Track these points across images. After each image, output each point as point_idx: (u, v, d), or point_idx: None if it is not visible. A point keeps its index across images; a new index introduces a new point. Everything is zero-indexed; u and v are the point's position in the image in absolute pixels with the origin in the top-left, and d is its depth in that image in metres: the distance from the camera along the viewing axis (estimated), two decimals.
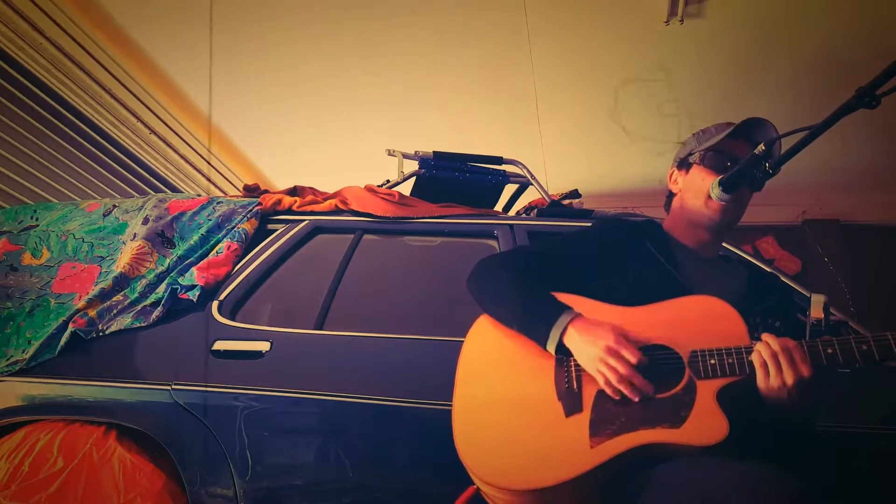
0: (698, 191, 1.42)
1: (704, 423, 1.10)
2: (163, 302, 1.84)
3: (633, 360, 1.17)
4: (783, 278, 1.78)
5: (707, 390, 1.15)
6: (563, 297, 1.34)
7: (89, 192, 3.54)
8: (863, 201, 4.38)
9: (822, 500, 0.96)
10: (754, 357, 1.15)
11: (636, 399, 1.16)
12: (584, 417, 1.18)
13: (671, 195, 1.56)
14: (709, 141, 1.44)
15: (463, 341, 1.46)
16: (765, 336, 1.15)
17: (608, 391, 1.18)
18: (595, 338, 1.20)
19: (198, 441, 1.61)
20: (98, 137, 3.47)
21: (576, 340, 1.23)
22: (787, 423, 1.20)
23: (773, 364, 1.12)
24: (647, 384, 1.16)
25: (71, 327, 1.77)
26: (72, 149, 3.38)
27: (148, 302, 1.86)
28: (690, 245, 1.47)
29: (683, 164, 1.51)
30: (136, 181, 3.82)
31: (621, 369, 1.16)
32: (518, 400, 1.26)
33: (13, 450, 1.56)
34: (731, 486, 0.96)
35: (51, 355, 1.75)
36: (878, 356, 1.10)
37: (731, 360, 1.16)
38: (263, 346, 1.74)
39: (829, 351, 1.13)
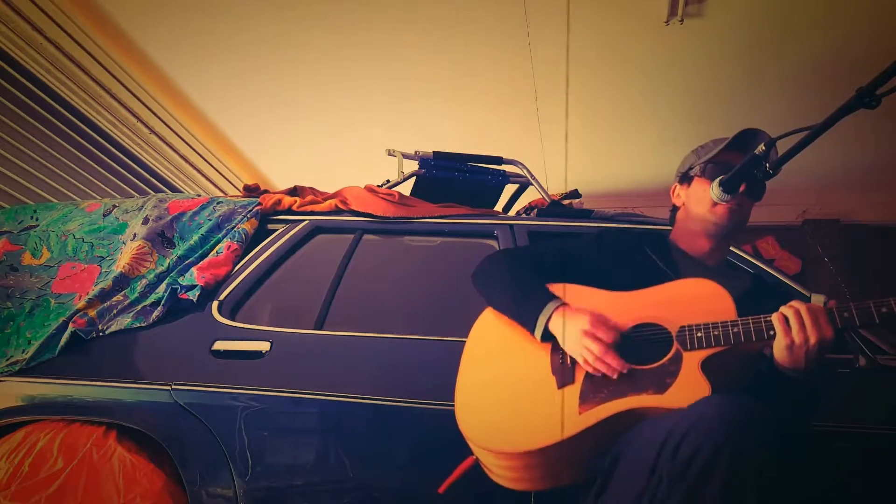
0: (701, 200, 1.48)
1: (687, 389, 1.15)
2: (163, 302, 1.84)
3: (607, 339, 1.25)
4: (783, 279, 1.78)
5: (692, 360, 1.20)
6: (559, 287, 1.43)
7: (89, 192, 3.54)
8: (863, 201, 4.38)
9: (769, 421, 1.00)
10: (775, 316, 1.18)
11: (614, 376, 1.22)
12: (575, 388, 1.25)
13: (675, 209, 1.62)
14: (708, 154, 1.51)
15: (463, 341, 1.49)
16: (792, 301, 1.19)
17: (589, 370, 1.25)
18: (573, 322, 1.29)
19: (198, 441, 1.61)
20: (98, 137, 3.47)
21: (559, 327, 1.32)
22: (794, 392, 1.22)
23: (796, 320, 1.15)
24: (621, 362, 1.23)
25: (71, 327, 1.77)
26: (72, 149, 3.37)
27: (148, 302, 1.86)
28: (693, 253, 1.51)
29: (685, 179, 1.57)
30: (136, 181, 3.82)
31: (596, 350, 1.24)
32: (516, 378, 1.34)
33: (13, 450, 1.56)
34: (683, 417, 1.03)
35: (51, 355, 1.75)
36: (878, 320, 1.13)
37: (716, 332, 1.21)
38: (263, 346, 1.74)
39: (846, 314, 1.15)
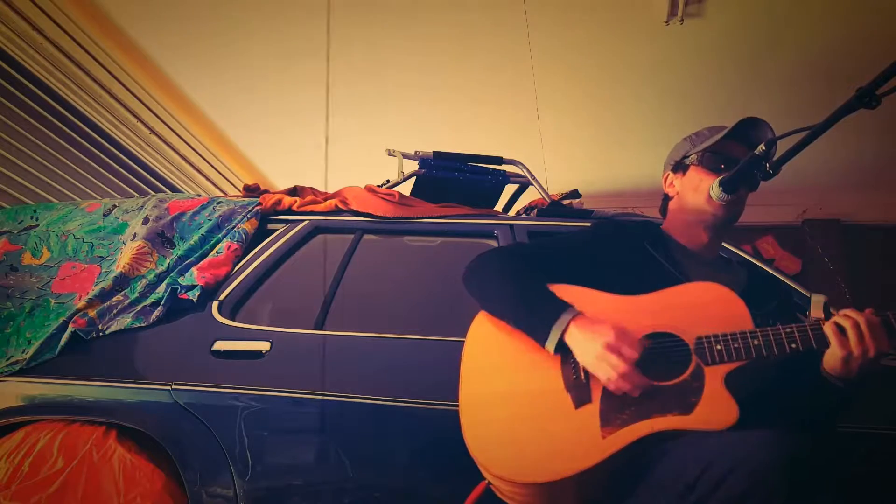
0: (697, 190, 1.43)
1: (714, 409, 1.11)
2: (163, 302, 1.84)
3: (633, 356, 1.17)
4: (783, 279, 1.78)
5: (715, 376, 1.16)
6: (560, 288, 1.34)
7: (89, 192, 3.54)
8: (863, 201, 4.38)
9: (816, 461, 0.98)
10: (829, 326, 1.15)
11: (636, 394, 1.17)
12: (594, 408, 1.18)
13: (667, 198, 1.57)
14: (706, 142, 1.46)
15: (463, 341, 1.45)
16: (845, 311, 1.17)
17: (611, 388, 1.18)
18: (595, 335, 1.20)
19: (198, 441, 1.61)
20: (98, 137, 3.47)
21: (577, 339, 1.23)
22: (840, 401, 1.21)
23: (854, 332, 1.13)
24: (645, 380, 1.17)
25: (71, 327, 1.77)
26: (72, 149, 3.37)
27: (148, 302, 1.86)
28: (689, 246, 1.47)
29: (679, 167, 1.52)
30: (136, 181, 3.82)
31: (621, 368, 1.16)
32: (526, 393, 1.26)
33: (13, 450, 1.56)
34: (728, 447, 0.99)
35: (51, 355, 1.74)
36: None
37: (736, 345, 1.18)
38: (263, 346, 1.74)
39: None
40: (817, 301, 1.20)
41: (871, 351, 1.12)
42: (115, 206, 2.18)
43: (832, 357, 1.16)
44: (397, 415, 1.61)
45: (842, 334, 1.14)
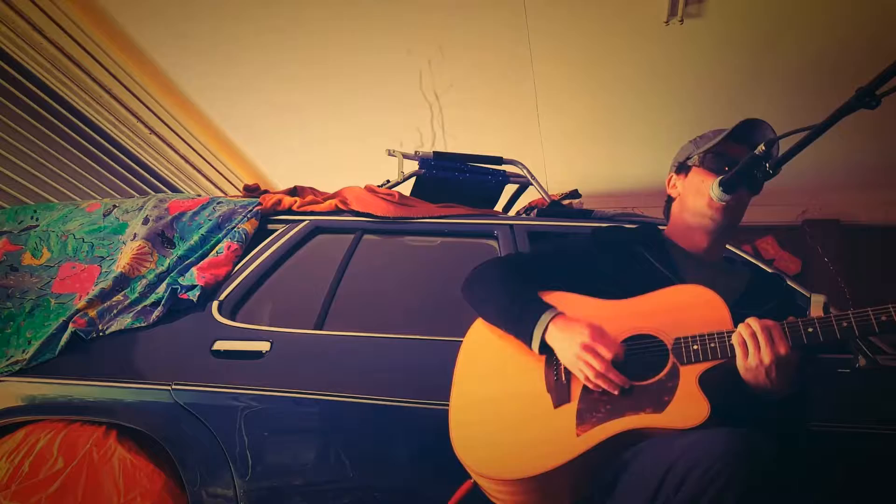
0: (698, 192, 1.43)
1: (686, 407, 1.12)
2: (163, 302, 1.84)
3: (608, 355, 1.19)
4: (786, 280, 1.77)
5: (690, 375, 1.16)
6: (552, 295, 1.38)
7: (89, 192, 3.53)
8: (863, 201, 4.38)
9: (774, 454, 0.97)
10: (734, 337, 1.15)
11: (615, 392, 1.18)
12: (571, 408, 1.21)
13: (670, 200, 1.57)
14: (707, 143, 1.46)
15: (462, 341, 1.46)
16: (748, 319, 1.16)
17: (590, 386, 1.21)
18: (572, 335, 1.23)
19: (198, 441, 1.61)
20: (98, 137, 3.47)
21: (556, 338, 1.26)
22: (771, 408, 1.19)
23: (752, 343, 1.12)
24: (623, 378, 1.18)
25: (71, 327, 1.77)
26: (72, 149, 3.37)
27: (148, 302, 1.86)
28: (690, 249, 1.47)
29: (682, 169, 1.52)
30: (136, 181, 3.81)
31: (597, 366, 1.19)
32: (510, 395, 1.29)
33: (13, 450, 1.56)
34: (689, 447, 1.00)
35: (51, 355, 1.75)
36: (857, 332, 1.11)
37: (713, 345, 1.18)
38: (263, 346, 1.74)
39: (810, 329, 1.13)
40: (817, 301, 1.20)
41: (766, 359, 1.10)
42: (115, 207, 2.18)
43: (740, 370, 1.15)
44: (397, 415, 1.61)
45: (743, 345, 1.13)
